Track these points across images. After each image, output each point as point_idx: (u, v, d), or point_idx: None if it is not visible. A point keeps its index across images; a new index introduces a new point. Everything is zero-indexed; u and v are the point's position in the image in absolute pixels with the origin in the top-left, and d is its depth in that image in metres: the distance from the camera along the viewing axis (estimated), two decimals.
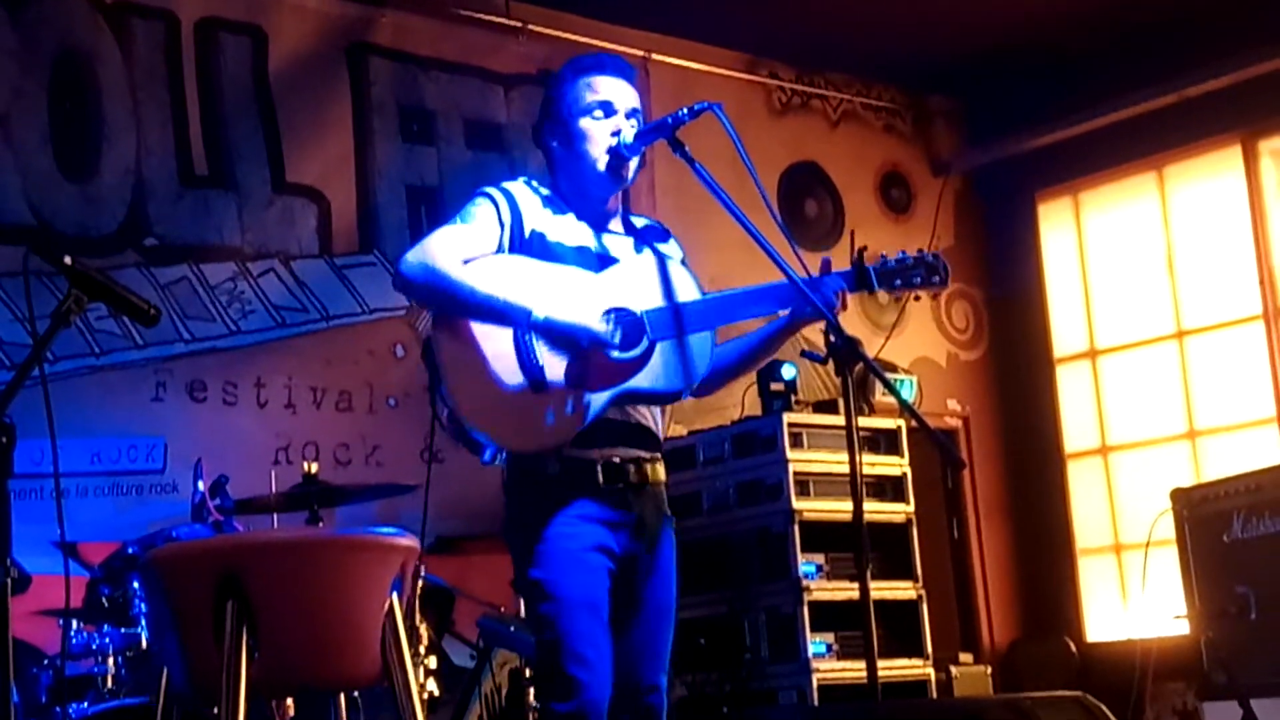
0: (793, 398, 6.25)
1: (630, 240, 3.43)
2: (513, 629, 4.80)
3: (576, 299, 3.21)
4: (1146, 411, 8.03)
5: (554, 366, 3.20)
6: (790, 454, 5.99)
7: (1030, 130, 8.26)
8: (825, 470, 6.04)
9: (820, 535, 5.95)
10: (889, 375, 6.52)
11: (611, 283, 3.28)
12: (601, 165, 3.38)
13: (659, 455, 3.36)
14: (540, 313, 3.15)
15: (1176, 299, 7.96)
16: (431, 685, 4.45)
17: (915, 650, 6.09)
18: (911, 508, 6.28)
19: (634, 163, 3.42)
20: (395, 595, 2.93)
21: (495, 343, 3.20)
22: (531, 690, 4.75)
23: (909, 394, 7.35)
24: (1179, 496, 5.41)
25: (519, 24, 6.92)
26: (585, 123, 3.40)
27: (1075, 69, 8.03)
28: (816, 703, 5.72)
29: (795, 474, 5.98)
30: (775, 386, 6.25)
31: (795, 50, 7.92)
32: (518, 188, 3.37)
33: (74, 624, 4.26)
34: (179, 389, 5.84)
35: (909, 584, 6.16)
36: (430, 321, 3.23)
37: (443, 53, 6.79)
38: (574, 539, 3.19)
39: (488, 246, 3.24)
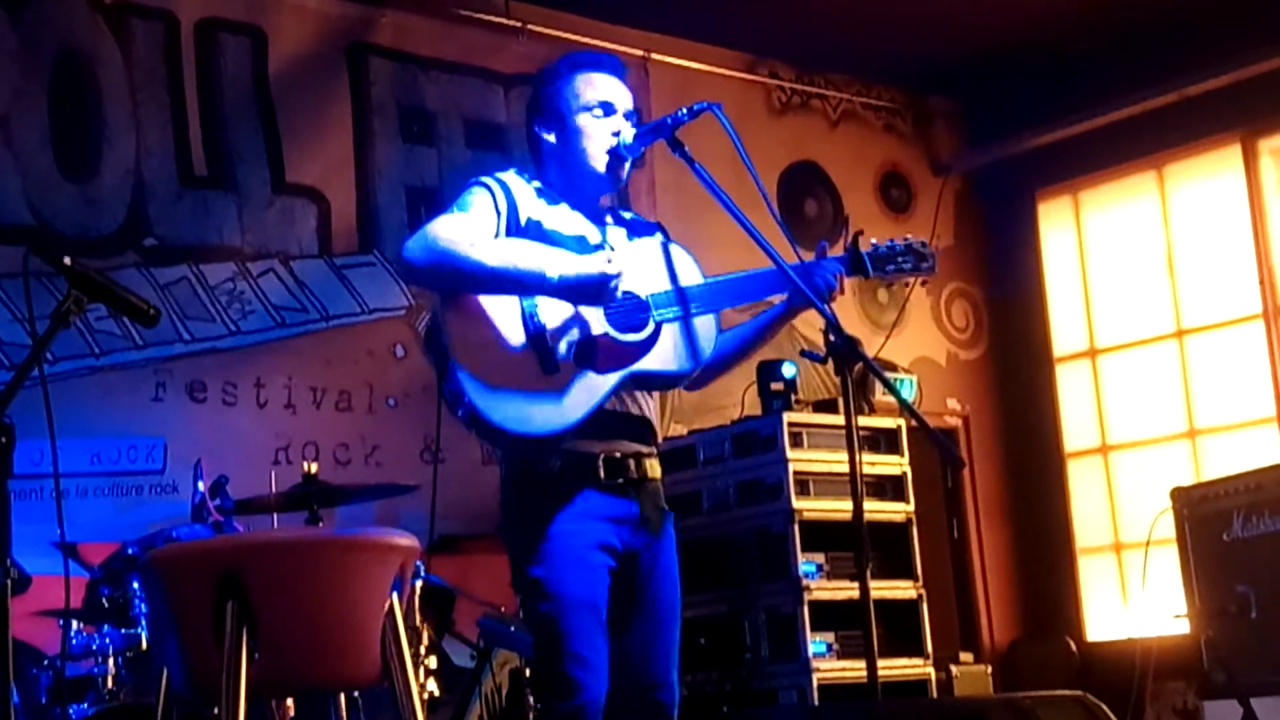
0: (793, 397, 6.25)
1: (623, 231, 3.44)
2: (513, 629, 4.80)
3: (579, 263, 3.22)
4: (1146, 410, 8.03)
5: (564, 348, 3.21)
6: (790, 453, 5.99)
7: (1030, 130, 8.26)
8: (825, 470, 6.03)
9: (820, 535, 5.95)
10: (889, 374, 6.52)
11: (605, 260, 3.29)
12: (600, 165, 3.39)
13: (656, 450, 3.37)
14: (554, 272, 3.15)
15: (1176, 298, 7.96)
16: (432, 685, 4.45)
17: (915, 650, 6.08)
18: (911, 507, 6.27)
19: (628, 164, 3.43)
20: (395, 595, 2.93)
21: (504, 324, 3.20)
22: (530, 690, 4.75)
23: (909, 393, 7.35)
24: (1179, 495, 5.41)
25: (519, 24, 6.92)
26: (585, 120, 3.41)
27: (1075, 68, 8.03)
28: (817, 702, 5.72)
29: (795, 473, 5.97)
30: (775, 386, 6.25)
31: (795, 50, 7.92)
32: (510, 177, 3.37)
33: (74, 625, 4.26)
34: (179, 389, 5.84)
35: (909, 583, 6.15)
36: (435, 310, 3.22)
37: (443, 53, 6.79)
38: (577, 536, 3.19)
39: (487, 234, 3.24)
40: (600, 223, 3.42)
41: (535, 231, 3.29)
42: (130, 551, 4.24)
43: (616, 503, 3.25)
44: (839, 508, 5.95)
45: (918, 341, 8.30)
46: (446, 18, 6.81)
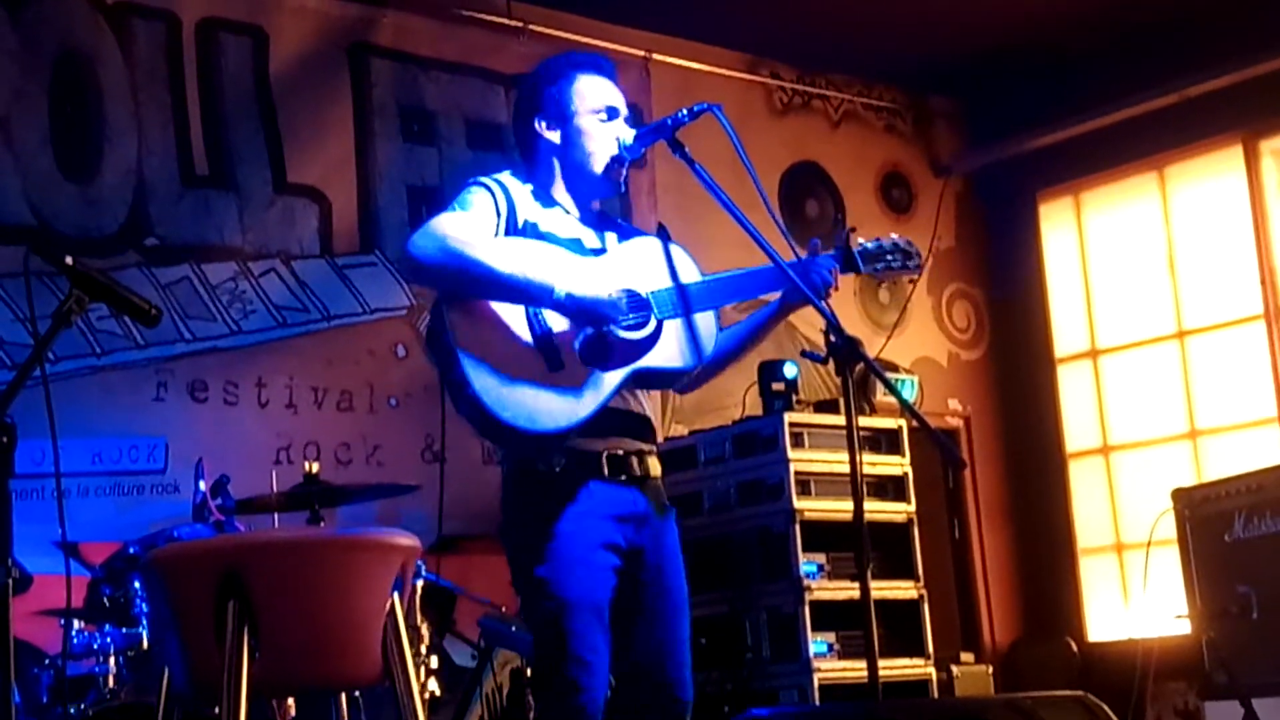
0: (794, 397, 6.25)
1: (614, 235, 3.45)
2: (514, 629, 4.80)
3: (585, 278, 3.22)
4: (1148, 411, 8.03)
5: (569, 346, 3.21)
6: (791, 454, 5.99)
7: (1031, 130, 8.26)
8: (826, 470, 6.03)
9: (821, 535, 5.95)
10: (890, 375, 6.52)
11: (614, 265, 3.30)
12: (601, 168, 3.40)
13: (655, 448, 3.38)
14: (562, 289, 3.16)
15: (1178, 299, 7.96)
16: (433, 685, 4.45)
17: (916, 650, 6.09)
18: (912, 507, 6.27)
19: (625, 170, 3.45)
20: (396, 595, 2.93)
21: (510, 322, 3.20)
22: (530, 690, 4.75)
23: (910, 394, 7.35)
24: (1180, 496, 5.41)
25: (520, 24, 6.92)
26: (590, 122, 3.42)
27: (1076, 69, 8.03)
28: (818, 702, 5.72)
29: (796, 474, 5.98)
30: (776, 386, 6.25)
31: (796, 50, 7.92)
32: (507, 179, 3.38)
33: (75, 624, 4.26)
34: (180, 389, 5.84)
35: (910, 584, 6.15)
36: (437, 309, 3.22)
37: (444, 53, 6.79)
38: (583, 536, 3.19)
39: (487, 234, 3.24)
40: (593, 226, 3.43)
41: (532, 233, 3.30)
42: (131, 551, 4.25)
43: (621, 500, 3.26)
44: (840, 508, 5.95)
45: (919, 342, 8.29)
46: (447, 18, 6.81)
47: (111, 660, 4.18)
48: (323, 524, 4.55)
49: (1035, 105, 8.22)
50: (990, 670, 6.89)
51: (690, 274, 3.39)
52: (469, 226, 3.22)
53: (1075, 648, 7.90)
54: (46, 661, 4.35)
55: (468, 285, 3.17)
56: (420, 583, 4.46)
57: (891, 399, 6.76)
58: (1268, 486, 5.17)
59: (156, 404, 5.78)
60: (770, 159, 7.67)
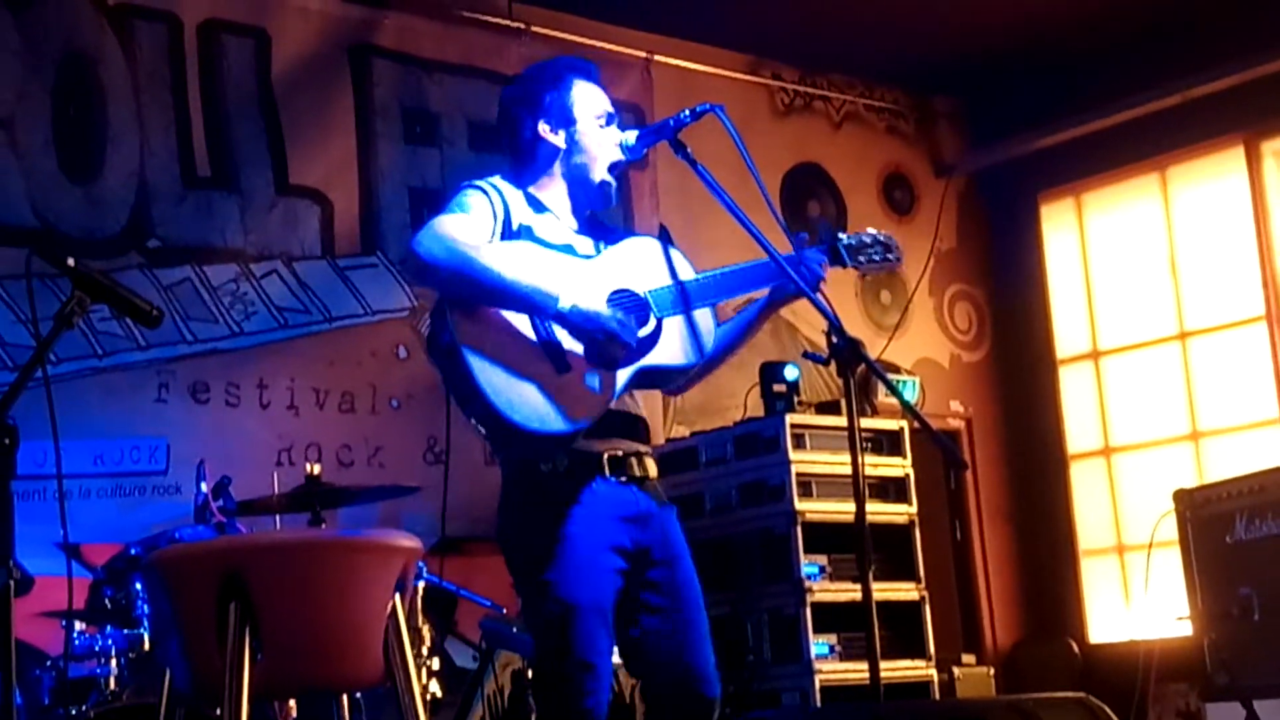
0: (795, 399, 6.25)
1: (603, 243, 3.45)
2: (515, 631, 4.80)
3: (583, 283, 3.23)
4: (1149, 413, 8.02)
5: (575, 345, 3.21)
6: (793, 455, 5.99)
7: (1033, 131, 8.26)
8: (828, 471, 6.03)
9: (823, 536, 5.95)
10: (891, 376, 6.52)
11: (609, 267, 3.31)
12: (601, 174, 3.41)
13: (651, 449, 3.40)
14: (567, 301, 3.16)
15: (1179, 300, 7.95)
16: (434, 686, 4.45)
17: (918, 651, 6.08)
18: (914, 509, 6.27)
19: (618, 180, 3.47)
20: (398, 596, 2.93)
21: (515, 324, 3.21)
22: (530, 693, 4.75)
23: (911, 395, 7.35)
24: (1182, 498, 5.41)
25: (522, 25, 6.92)
26: (592, 127, 3.43)
27: (1078, 70, 8.03)
28: (819, 704, 5.72)
29: (798, 475, 5.98)
30: (778, 388, 6.25)
31: (798, 51, 7.92)
32: (500, 183, 3.38)
33: (77, 625, 4.26)
34: (182, 390, 5.84)
35: (911, 585, 6.15)
36: (441, 312, 3.21)
37: (446, 54, 6.79)
38: (590, 539, 3.19)
39: (485, 238, 3.24)
40: (583, 233, 3.43)
41: (527, 237, 3.31)
42: (133, 552, 4.25)
43: (624, 500, 3.26)
44: (841, 509, 5.95)
45: (920, 343, 8.29)
46: (449, 19, 6.82)
47: (113, 662, 4.18)
48: (324, 525, 4.55)
49: (1037, 106, 8.22)
50: (992, 672, 6.89)
51: (686, 273, 3.41)
52: (472, 230, 3.22)
53: (1077, 649, 7.90)
54: (48, 663, 4.35)
55: (473, 291, 3.17)
56: (421, 584, 4.46)
57: (893, 400, 6.75)
58: (1269, 488, 5.17)
59: (158, 405, 5.78)
60: (772, 160, 7.67)
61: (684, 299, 3.35)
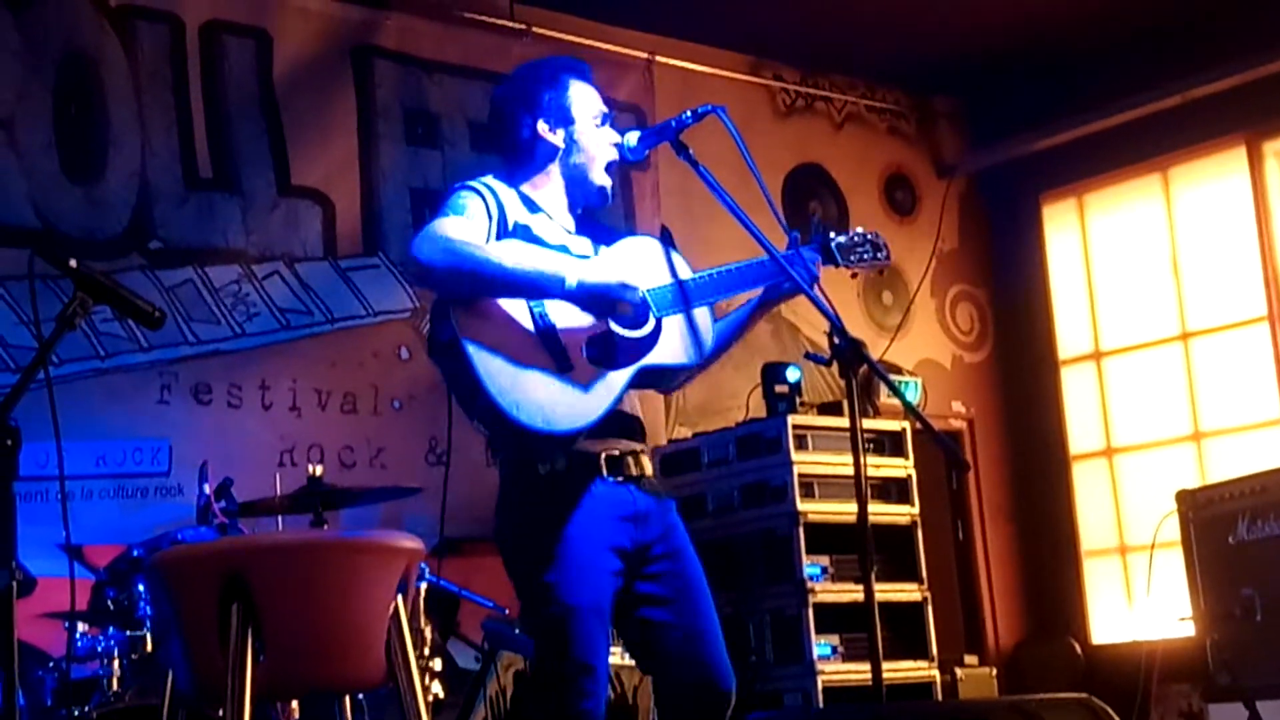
0: (797, 400, 6.25)
1: (588, 240, 3.45)
2: (517, 632, 4.80)
3: (589, 271, 3.23)
4: (1151, 413, 8.02)
5: (576, 345, 3.21)
6: (795, 456, 5.99)
7: (1034, 132, 8.25)
8: (830, 472, 6.03)
9: (825, 537, 5.95)
10: (893, 377, 6.51)
11: (609, 266, 3.31)
12: (599, 174, 3.41)
13: (647, 447, 3.40)
14: (573, 279, 3.16)
15: (1181, 301, 7.95)
16: (436, 687, 4.45)
17: (920, 652, 6.09)
18: (916, 510, 6.27)
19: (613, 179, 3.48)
20: (400, 597, 2.93)
21: (517, 325, 3.20)
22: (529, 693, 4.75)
23: (913, 396, 7.34)
24: (1184, 498, 5.40)
25: (523, 26, 6.92)
26: (590, 127, 3.43)
27: (1079, 70, 8.03)
28: (821, 705, 5.72)
29: (800, 476, 5.98)
30: (780, 388, 6.25)
31: (799, 52, 7.92)
32: (494, 183, 3.37)
33: (79, 627, 4.26)
34: (184, 391, 5.84)
35: (914, 586, 6.15)
36: (443, 315, 3.21)
37: (447, 55, 6.79)
38: (590, 540, 3.19)
39: (481, 239, 3.24)
40: (577, 233, 3.43)
41: (523, 236, 3.30)
42: (135, 554, 4.25)
43: (622, 500, 3.27)
44: (844, 510, 5.96)
45: (922, 344, 8.29)
46: (451, 20, 6.82)
47: (115, 663, 4.18)
48: (326, 527, 4.54)
49: (1039, 107, 8.22)
50: (994, 672, 6.89)
51: (684, 273, 3.41)
52: (468, 231, 3.21)
53: (1079, 650, 7.90)
54: (51, 664, 4.35)
55: (478, 284, 3.17)
56: (424, 585, 4.45)
57: (895, 401, 6.75)
58: (1271, 489, 5.17)
59: (160, 406, 5.78)
60: (773, 161, 7.67)
61: (682, 298, 3.35)
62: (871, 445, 6.20)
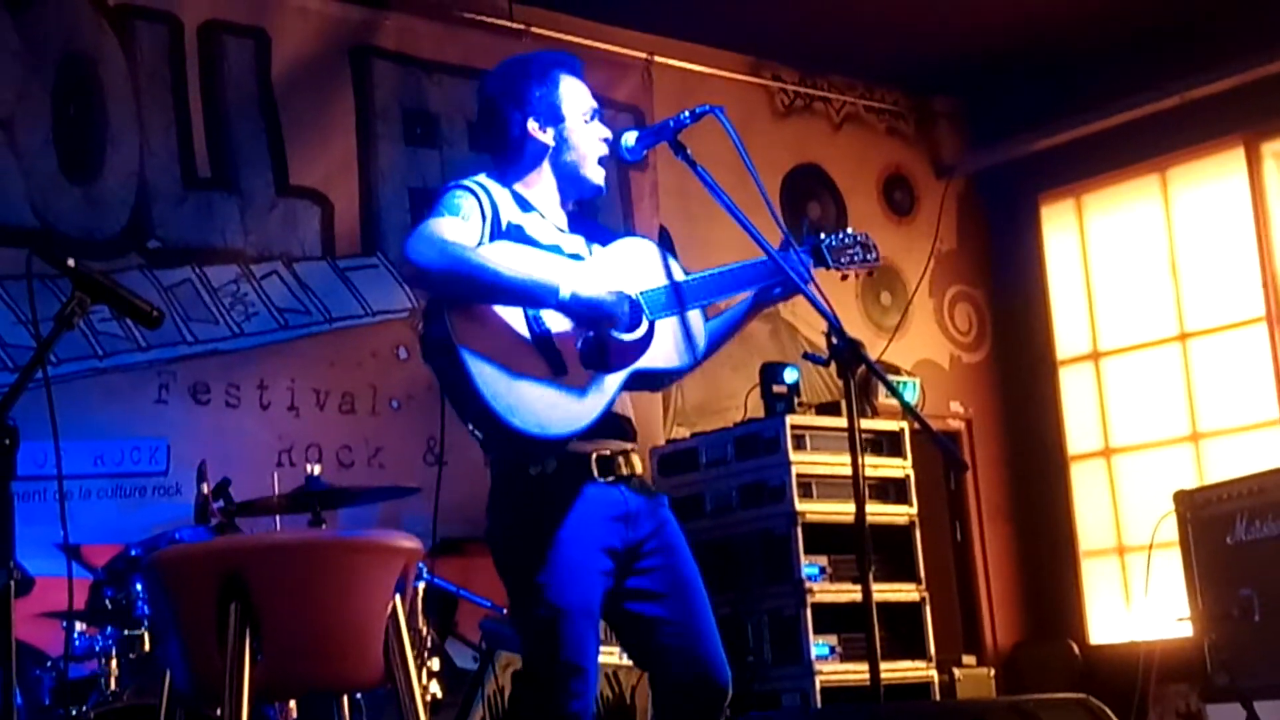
0: (795, 400, 6.25)
1: (581, 238, 3.44)
2: (515, 631, 4.79)
3: (584, 279, 3.23)
4: (1149, 414, 8.02)
5: (570, 349, 3.21)
6: (793, 456, 5.99)
7: (1033, 132, 8.26)
8: (828, 472, 6.03)
9: (823, 537, 5.95)
10: (891, 377, 6.52)
11: (599, 269, 3.30)
12: (591, 170, 3.41)
13: (637, 446, 3.39)
14: (567, 290, 3.16)
15: (1179, 301, 7.95)
16: (434, 687, 4.45)
17: (918, 652, 6.09)
18: (914, 510, 6.28)
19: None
20: (398, 597, 2.93)
21: (512, 328, 3.20)
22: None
23: (911, 396, 7.35)
24: (1182, 499, 5.40)
25: (522, 27, 6.93)
26: (580, 123, 3.41)
27: (1078, 71, 8.03)
28: (819, 705, 5.72)
29: (798, 476, 5.98)
30: (778, 389, 6.25)
31: (798, 53, 7.92)
32: (487, 182, 3.35)
33: (77, 626, 4.26)
34: (182, 391, 5.84)
35: (912, 586, 6.15)
36: (438, 319, 3.21)
37: (446, 55, 6.79)
38: (582, 541, 3.19)
39: (475, 239, 3.23)
40: (570, 231, 3.42)
41: (517, 236, 3.28)
42: (133, 553, 4.24)
43: (613, 500, 3.26)
44: (842, 510, 5.96)
45: (920, 344, 8.30)
46: (450, 20, 6.82)
47: (113, 662, 4.18)
48: (324, 526, 4.54)
49: (1037, 107, 8.22)
50: (992, 673, 6.89)
51: (678, 275, 3.41)
52: (462, 231, 3.20)
53: (1077, 650, 7.90)
54: (48, 663, 4.35)
55: (472, 289, 3.16)
56: (422, 585, 4.45)
57: (893, 401, 6.76)
58: (1269, 489, 5.17)
59: (158, 406, 5.78)
60: (772, 161, 7.67)
61: (677, 300, 3.34)
62: (870, 445, 6.20)
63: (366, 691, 4.00)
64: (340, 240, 6.38)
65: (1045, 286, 8.47)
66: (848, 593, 5.90)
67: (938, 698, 6.11)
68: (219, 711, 2.75)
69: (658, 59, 7.38)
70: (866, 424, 6.29)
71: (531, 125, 3.39)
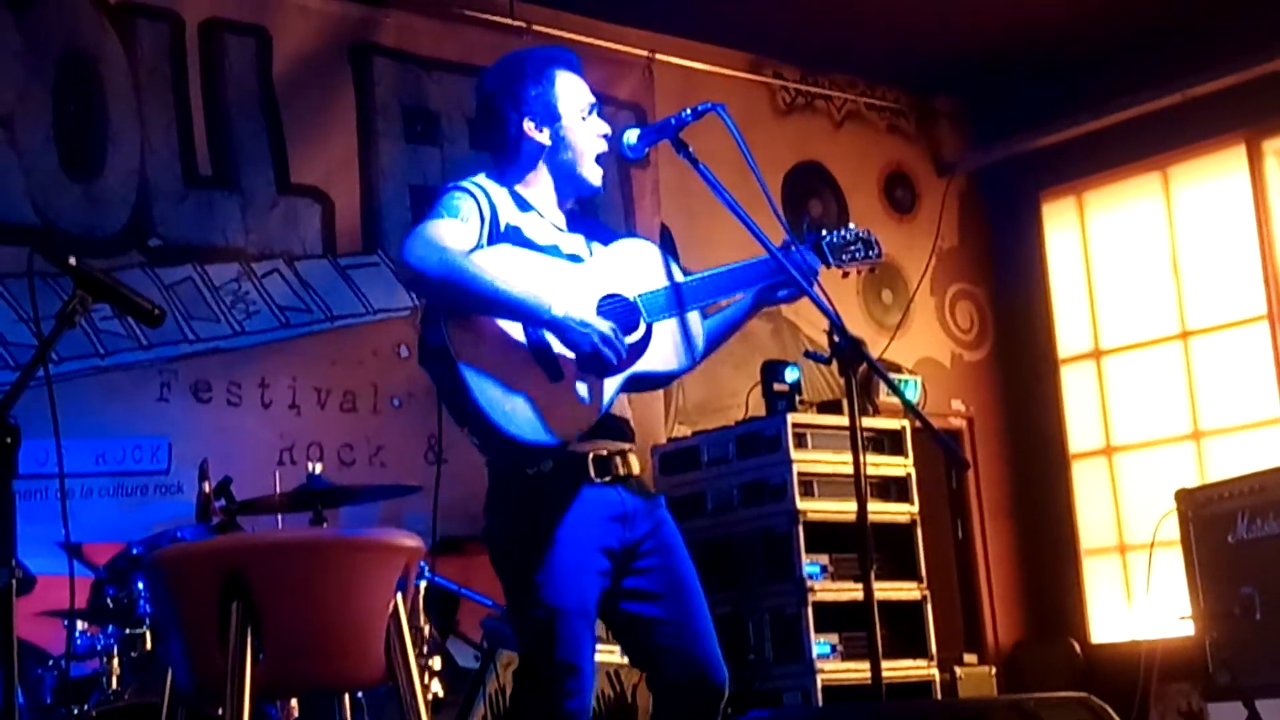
0: (797, 398, 6.25)
1: (580, 237, 3.43)
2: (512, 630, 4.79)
3: (574, 288, 3.22)
4: (1151, 412, 8.02)
5: (566, 353, 3.21)
6: (794, 454, 5.99)
7: (1034, 130, 8.25)
8: (829, 471, 6.03)
9: (824, 536, 5.95)
10: (893, 376, 6.51)
11: (597, 271, 3.30)
12: (588, 168, 3.40)
13: (634, 446, 3.39)
14: (559, 310, 3.15)
15: (1181, 299, 7.95)
16: (436, 686, 4.45)
17: (919, 651, 6.08)
18: (916, 508, 6.27)
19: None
20: (399, 595, 2.93)
21: (508, 334, 3.20)
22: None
23: (913, 394, 7.34)
24: (1183, 497, 5.40)
25: (523, 24, 6.92)
26: (577, 121, 3.40)
27: (1079, 69, 8.03)
28: (821, 703, 5.72)
29: (799, 474, 5.98)
30: (779, 387, 6.25)
31: (799, 50, 7.92)
32: (485, 182, 3.34)
33: (79, 625, 4.26)
34: (183, 389, 5.84)
35: (913, 585, 6.15)
36: (434, 324, 3.20)
37: (446, 53, 6.78)
38: (580, 542, 3.19)
39: (473, 241, 3.22)
40: (568, 230, 3.41)
41: (515, 237, 3.28)
42: (135, 552, 4.25)
43: (609, 501, 3.26)
44: (843, 509, 5.96)
45: (922, 343, 8.29)
46: (450, 18, 6.81)
47: (115, 661, 4.18)
48: (326, 525, 4.54)
49: (1038, 105, 8.21)
50: (993, 671, 6.89)
51: (677, 278, 3.40)
52: (460, 235, 3.19)
53: (1078, 649, 7.89)
54: (50, 662, 4.35)
55: (464, 299, 3.15)
56: (423, 583, 4.46)
57: (894, 400, 6.75)
58: (1271, 487, 5.16)
59: (160, 404, 5.78)
60: (773, 159, 7.67)
61: (677, 302, 3.33)
62: (871, 444, 6.20)
63: (368, 690, 4.00)
64: (341, 238, 6.38)
65: (1047, 284, 8.46)
66: (849, 591, 5.90)
67: (939, 696, 6.11)
68: (220, 710, 2.75)
69: (659, 57, 7.38)
70: (868, 422, 6.29)
71: (528, 125, 3.38)
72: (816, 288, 3.37)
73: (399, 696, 2.93)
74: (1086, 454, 8.29)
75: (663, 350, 3.33)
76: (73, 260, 2.80)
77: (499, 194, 3.33)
